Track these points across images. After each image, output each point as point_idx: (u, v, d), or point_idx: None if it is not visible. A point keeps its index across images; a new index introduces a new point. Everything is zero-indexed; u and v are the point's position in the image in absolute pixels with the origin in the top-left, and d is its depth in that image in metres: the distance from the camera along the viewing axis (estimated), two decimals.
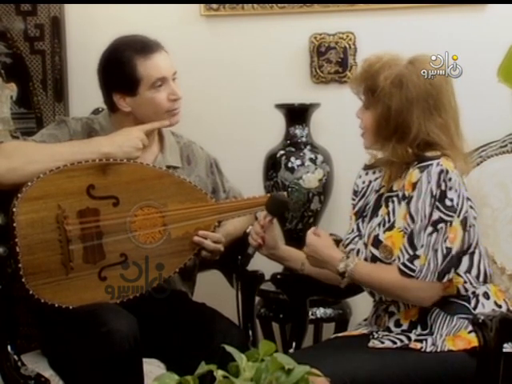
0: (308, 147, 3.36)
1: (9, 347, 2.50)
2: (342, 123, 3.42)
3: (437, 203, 2.36)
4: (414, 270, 2.35)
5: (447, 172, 2.37)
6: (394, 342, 2.41)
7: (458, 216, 2.37)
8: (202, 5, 3.55)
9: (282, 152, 3.36)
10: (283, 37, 3.53)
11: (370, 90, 2.43)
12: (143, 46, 2.68)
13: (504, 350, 2.29)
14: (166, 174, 2.67)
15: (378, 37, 3.40)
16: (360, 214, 2.59)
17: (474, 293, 2.44)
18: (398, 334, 2.43)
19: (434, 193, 2.36)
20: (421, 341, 2.39)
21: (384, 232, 2.44)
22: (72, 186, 2.55)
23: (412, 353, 2.37)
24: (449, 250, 2.37)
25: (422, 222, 2.36)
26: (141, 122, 2.69)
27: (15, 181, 2.53)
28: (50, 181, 2.53)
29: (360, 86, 2.46)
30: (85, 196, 2.56)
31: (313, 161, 3.33)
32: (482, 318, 2.25)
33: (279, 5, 3.50)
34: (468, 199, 2.42)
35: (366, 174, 2.64)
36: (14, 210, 2.48)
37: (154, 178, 2.63)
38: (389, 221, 2.45)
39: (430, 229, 2.35)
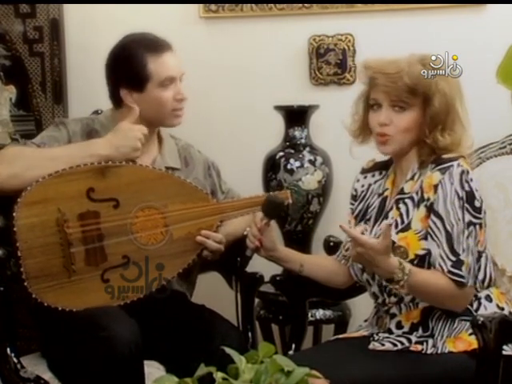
0: (307, 149, 3.36)
1: (8, 349, 2.50)
2: (341, 125, 3.41)
3: (466, 205, 2.35)
4: (463, 277, 2.33)
5: (468, 172, 2.37)
6: (395, 345, 2.41)
7: (483, 217, 2.39)
8: (201, 7, 3.55)
9: (281, 153, 3.36)
10: (282, 38, 3.53)
11: (415, 89, 2.39)
12: (155, 45, 2.70)
13: (504, 353, 2.29)
14: (166, 174, 2.67)
15: (377, 38, 3.40)
16: (361, 217, 2.59)
17: (476, 296, 2.43)
18: (398, 335, 2.43)
19: (461, 195, 2.35)
20: (421, 343, 2.38)
21: (397, 233, 2.42)
22: (71, 190, 2.55)
23: (412, 355, 2.36)
24: (480, 253, 2.39)
25: (457, 225, 2.34)
26: (144, 118, 2.70)
27: (15, 187, 2.52)
28: (49, 185, 2.53)
29: (398, 86, 2.40)
30: (85, 199, 2.56)
31: (312, 162, 3.33)
32: (482, 319, 2.24)
33: (278, 6, 3.50)
34: None
35: (365, 177, 2.64)
36: (14, 214, 2.48)
37: (153, 179, 2.63)
38: (402, 222, 2.43)
39: (466, 232, 2.35)
